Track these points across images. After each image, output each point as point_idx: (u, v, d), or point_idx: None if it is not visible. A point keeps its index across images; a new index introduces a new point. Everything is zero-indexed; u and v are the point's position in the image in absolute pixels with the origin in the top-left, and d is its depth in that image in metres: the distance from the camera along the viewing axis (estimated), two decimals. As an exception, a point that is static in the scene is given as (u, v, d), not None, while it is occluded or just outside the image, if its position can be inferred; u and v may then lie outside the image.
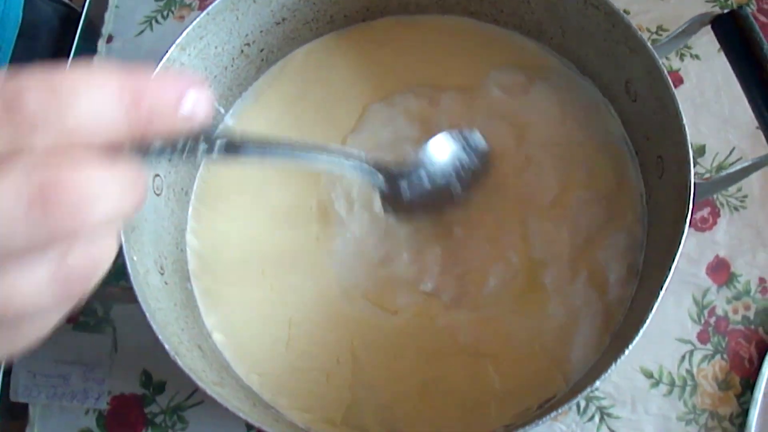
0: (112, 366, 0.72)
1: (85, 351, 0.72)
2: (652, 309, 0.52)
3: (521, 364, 0.64)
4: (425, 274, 0.66)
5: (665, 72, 0.57)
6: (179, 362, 0.53)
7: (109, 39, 0.85)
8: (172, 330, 0.58)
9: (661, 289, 0.53)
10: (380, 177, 0.60)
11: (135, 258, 0.57)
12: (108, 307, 0.74)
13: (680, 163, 0.56)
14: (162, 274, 0.62)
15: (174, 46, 0.62)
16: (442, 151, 0.64)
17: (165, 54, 0.61)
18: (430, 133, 0.67)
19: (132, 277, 0.55)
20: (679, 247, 0.53)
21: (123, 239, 0.56)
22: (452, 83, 0.72)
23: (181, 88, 0.29)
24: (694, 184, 0.55)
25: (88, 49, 0.84)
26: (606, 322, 0.64)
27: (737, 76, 0.57)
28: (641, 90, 0.62)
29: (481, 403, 0.63)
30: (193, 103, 0.29)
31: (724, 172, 0.56)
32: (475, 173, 0.66)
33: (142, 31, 0.85)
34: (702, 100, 0.76)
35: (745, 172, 0.56)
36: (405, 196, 0.62)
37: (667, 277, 0.53)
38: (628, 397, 0.68)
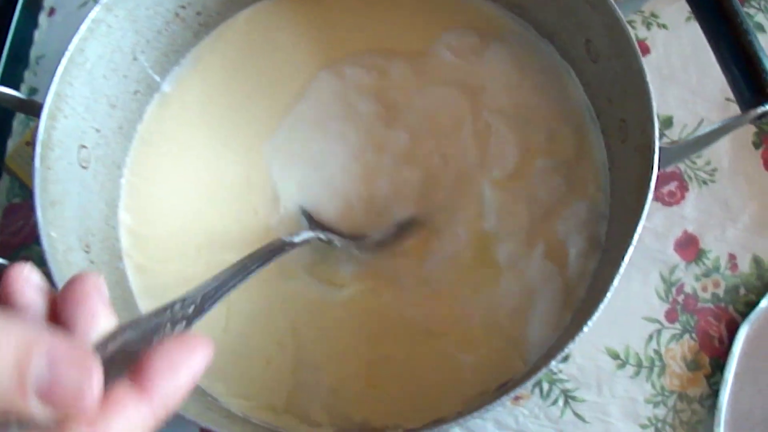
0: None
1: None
2: (613, 281, 0.49)
3: (475, 345, 0.60)
4: (371, 250, 0.63)
5: (627, 27, 0.53)
6: (95, 347, 0.49)
7: (51, 12, 0.81)
8: (95, 312, 0.53)
9: (623, 259, 0.49)
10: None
11: (54, 234, 0.53)
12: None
13: (644, 124, 0.52)
14: (87, 252, 0.57)
15: (99, 5, 0.58)
16: None
17: (89, 13, 0.57)
18: (386, 108, 0.65)
19: (48, 255, 0.51)
20: (642, 214, 0.50)
21: (39, 214, 0.52)
22: (402, 48, 0.68)
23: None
24: (660, 147, 0.51)
25: (30, 23, 0.80)
26: (566, 299, 0.60)
27: (705, 32, 0.53)
28: (602, 49, 0.58)
29: (434, 386, 0.60)
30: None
31: (692, 136, 0.53)
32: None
33: (84, 3, 0.81)
34: (669, 70, 0.73)
35: (714, 135, 0.52)
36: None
37: (629, 246, 0.49)
38: (593, 380, 0.65)
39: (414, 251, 0.63)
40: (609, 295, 0.49)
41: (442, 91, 0.66)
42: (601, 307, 0.49)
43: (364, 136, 0.65)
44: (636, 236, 0.50)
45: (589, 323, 0.49)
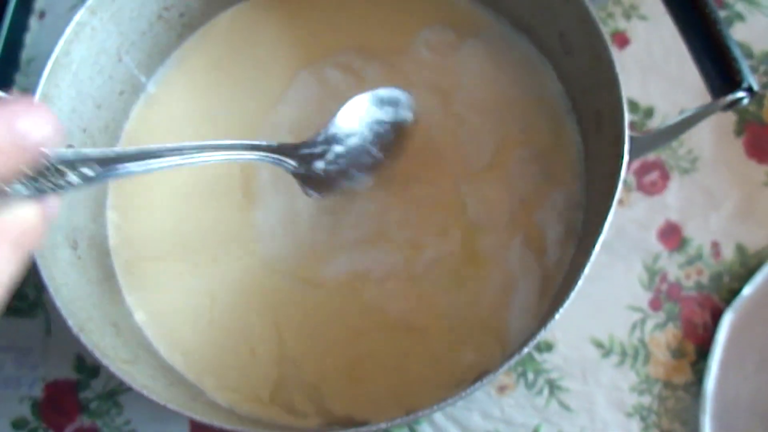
0: (45, 351, 0.70)
1: (17, 336, 0.70)
2: (585, 267, 0.50)
3: (457, 337, 0.61)
4: (354, 248, 0.63)
5: (597, 20, 0.54)
6: (82, 338, 0.50)
7: (41, 15, 0.81)
8: (81, 305, 0.55)
9: (595, 244, 0.50)
10: (291, 162, 0.57)
11: (40, 231, 0.54)
12: (40, 291, 0.71)
13: (615, 114, 0.53)
14: (74, 248, 0.59)
15: (83, 8, 0.59)
16: (353, 119, 0.60)
17: (74, 17, 0.58)
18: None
19: (35, 250, 0.52)
20: (612, 201, 0.50)
21: None
22: (380, 45, 0.69)
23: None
24: (631, 136, 0.52)
25: (20, 26, 0.81)
26: (544, 287, 0.61)
27: (676, 23, 0.53)
28: (575, 41, 0.59)
29: (415, 379, 0.60)
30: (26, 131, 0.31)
31: (664, 125, 0.53)
32: (397, 128, 0.62)
33: (74, 6, 0.80)
34: (650, 61, 0.73)
35: (686, 124, 0.53)
36: (322, 175, 0.59)
37: (600, 233, 0.50)
38: (578, 369, 0.66)
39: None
40: (581, 282, 0.50)
41: (417, 90, 0.65)
42: (573, 294, 0.49)
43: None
44: (607, 224, 0.50)
45: (561, 310, 0.49)
